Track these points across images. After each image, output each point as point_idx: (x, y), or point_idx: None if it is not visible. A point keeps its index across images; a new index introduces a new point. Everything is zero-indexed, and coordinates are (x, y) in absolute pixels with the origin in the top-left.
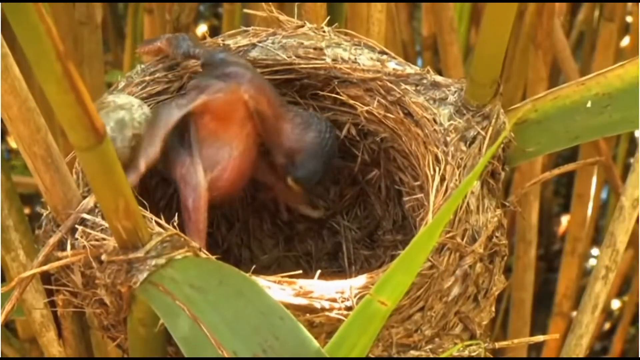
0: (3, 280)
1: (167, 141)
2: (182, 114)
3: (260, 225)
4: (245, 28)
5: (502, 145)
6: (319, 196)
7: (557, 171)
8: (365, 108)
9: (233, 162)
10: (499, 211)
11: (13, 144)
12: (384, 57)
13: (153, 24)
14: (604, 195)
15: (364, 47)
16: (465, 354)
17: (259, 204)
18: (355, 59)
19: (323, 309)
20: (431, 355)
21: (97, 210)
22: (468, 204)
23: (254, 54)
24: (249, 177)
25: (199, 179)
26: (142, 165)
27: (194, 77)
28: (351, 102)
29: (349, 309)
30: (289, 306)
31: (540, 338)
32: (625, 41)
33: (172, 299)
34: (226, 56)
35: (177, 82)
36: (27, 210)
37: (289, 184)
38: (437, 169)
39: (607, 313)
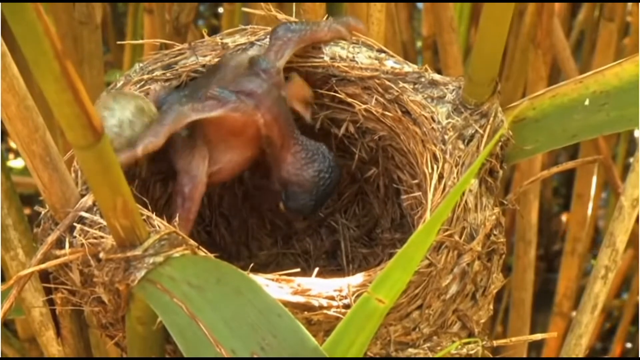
0: (3, 279)
1: (174, 134)
2: (196, 118)
3: (258, 224)
4: (243, 27)
5: (500, 143)
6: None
7: (555, 169)
8: (364, 106)
9: (234, 163)
10: (497, 209)
11: (13, 143)
12: (382, 55)
13: (153, 24)
14: (604, 195)
15: (362, 45)
16: (463, 352)
17: (257, 202)
18: (353, 57)
19: (321, 307)
20: (429, 354)
21: (95, 209)
22: (466, 202)
23: (252, 52)
24: (246, 169)
25: (199, 172)
26: (140, 150)
27: (212, 81)
28: (349, 100)
29: (347, 306)
30: (287, 304)
31: (538, 336)
32: (626, 41)
33: (170, 297)
34: (260, 67)
35: (175, 80)
36: (26, 211)
37: (281, 207)
38: (435, 167)
39: (607, 313)
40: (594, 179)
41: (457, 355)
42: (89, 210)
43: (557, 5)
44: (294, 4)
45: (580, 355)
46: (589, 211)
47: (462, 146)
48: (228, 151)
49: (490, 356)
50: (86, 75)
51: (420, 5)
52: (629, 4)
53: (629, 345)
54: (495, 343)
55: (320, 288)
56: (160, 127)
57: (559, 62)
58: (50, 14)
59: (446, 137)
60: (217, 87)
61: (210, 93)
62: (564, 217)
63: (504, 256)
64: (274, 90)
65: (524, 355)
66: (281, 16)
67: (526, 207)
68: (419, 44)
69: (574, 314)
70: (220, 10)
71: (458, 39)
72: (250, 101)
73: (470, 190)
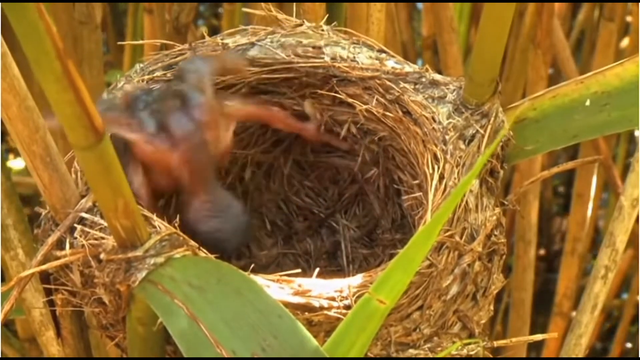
0: (2, 279)
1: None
2: (113, 132)
3: (259, 224)
4: (243, 27)
5: (500, 144)
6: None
7: (555, 169)
8: (364, 107)
9: (159, 185)
10: (497, 209)
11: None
12: (383, 55)
13: (153, 24)
14: (604, 195)
15: (362, 45)
16: (464, 352)
17: (257, 203)
18: (354, 57)
19: (322, 308)
20: (430, 354)
21: (95, 209)
22: (467, 202)
23: (252, 52)
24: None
25: (136, 185)
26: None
27: (141, 102)
28: (350, 100)
29: (348, 307)
30: (287, 305)
31: (538, 337)
32: (626, 41)
33: (171, 298)
34: (191, 104)
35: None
36: (26, 211)
37: None
38: (435, 167)
39: (607, 313)
40: (594, 179)
41: (458, 356)
42: (89, 211)
43: (557, 5)
44: (294, 4)
45: (580, 355)
46: (589, 211)
47: (463, 146)
48: (152, 172)
49: (491, 356)
50: (86, 75)
51: (420, 5)
52: (629, 3)
53: (629, 345)
54: (496, 344)
55: (321, 289)
56: None
57: (559, 62)
58: (50, 13)
59: (447, 137)
60: (150, 111)
61: (139, 116)
62: (564, 218)
63: (504, 257)
64: (197, 134)
65: (524, 355)
66: (281, 16)
67: (526, 207)
68: (419, 44)
69: (574, 314)
70: (220, 10)
71: (458, 39)
72: (167, 140)
73: (471, 191)
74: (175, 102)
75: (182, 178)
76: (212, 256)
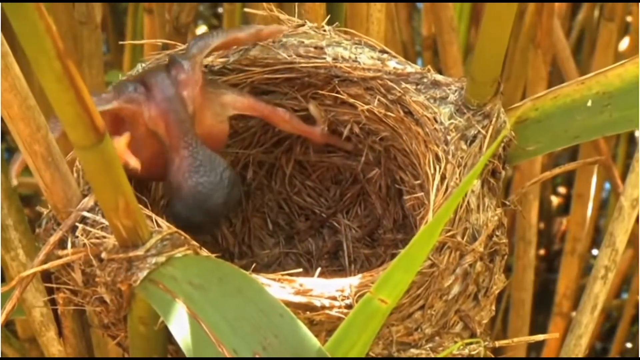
0: (3, 279)
1: None
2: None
3: (260, 224)
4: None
5: (502, 144)
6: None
7: (557, 170)
8: (366, 107)
9: (142, 158)
10: (499, 210)
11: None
12: (385, 56)
13: (153, 24)
14: (604, 195)
15: (364, 45)
16: (465, 352)
17: (258, 203)
18: (356, 57)
19: (323, 307)
20: (431, 354)
21: (97, 209)
22: (468, 202)
23: (254, 52)
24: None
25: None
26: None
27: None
28: (351, 101)
29: (349, 307)
30: (288, 304)
31: (540, 337)
32: (625, 41)
33: (172, 297)
34: (173, 63)
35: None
36: (26, 211)
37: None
38: (437, 167)
39: (607, 313)
40: (594, 179)
41: (459, 356)
42: (91, 210)
43: (557, 5)
44: (294, 4)
45: (580, 355)
46: (589, 211)
47: (464, 147)
48: (136, 140)
49: (491, 356)
50: (86, 75)
51: (420, 5)
52: (629, 3)
53: (629, 345)
54: (497, 344)
55: (323, 288)
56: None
57: (559, 62)
58: (50, 13)
59: (449, 137)
60: (134, 80)
61: (114, 86)
62: (564, 218)
63: (505, 257)
64: (172, 89)
65: (524, 356)
66: (283, 16)
67: (526, 207)
68: (418, 44)
69: (574, 314)
70: (220, 10)
71: (458, 39)
72: (142, 93)
73: (473, 191)
74: (160, 67)
75: (159, 133)
76: (212, 255)
